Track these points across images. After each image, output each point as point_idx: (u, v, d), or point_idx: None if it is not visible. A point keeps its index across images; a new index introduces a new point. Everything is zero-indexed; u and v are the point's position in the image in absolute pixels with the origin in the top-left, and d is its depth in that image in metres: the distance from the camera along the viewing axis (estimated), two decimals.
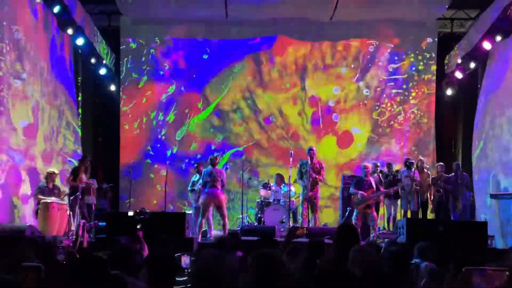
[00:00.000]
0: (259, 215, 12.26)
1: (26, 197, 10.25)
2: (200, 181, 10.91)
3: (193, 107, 14.55)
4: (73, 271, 3.32)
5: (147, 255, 6.08)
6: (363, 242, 9.47)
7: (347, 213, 11.28)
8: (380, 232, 11.32)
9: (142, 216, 7.82)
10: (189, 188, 11.84)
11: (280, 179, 12.59)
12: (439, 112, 14.55)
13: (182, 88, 14.59)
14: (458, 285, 4.56)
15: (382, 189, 10.92)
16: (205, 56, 14.63)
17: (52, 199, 9.84)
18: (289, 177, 11.60)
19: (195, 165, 12.02)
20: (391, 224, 12.14)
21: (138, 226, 6.82)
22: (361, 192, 10.33)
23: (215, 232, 10.61)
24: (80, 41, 12.06)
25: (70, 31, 11.59)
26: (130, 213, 8.71)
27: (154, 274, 3.24)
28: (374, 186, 10.51)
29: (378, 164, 12.64)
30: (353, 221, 10.25)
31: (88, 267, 3.32)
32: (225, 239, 6.43)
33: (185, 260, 6.88)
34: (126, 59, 14.59)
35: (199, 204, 10.79)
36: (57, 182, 10.42)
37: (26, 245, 4.55)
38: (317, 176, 10.87)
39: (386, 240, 8.37)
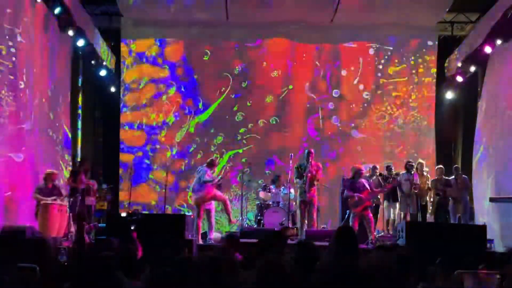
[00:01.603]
0: (258, 217, 12.28)
1: (24, 198, 10.21)
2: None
3: (194, 109, 14.56)
4: (79, 271, 3.32)
5: (141, 256, 6.08)
6: (362, 244, 9.51)
7: (346, 215, 11.28)
8: (379, 235, 11.33)
9: (135, 217, 7.84)
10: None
11: (279, 181, 12.61)
12: (439, 115, 14.56)
13: (183, 89, 14.61)
14: (450, 286, 4.55)
15: (375, 190, 10.94)
16: (206, 58, 14.65)
17: (53, 197, 9.84)
18: (289, 179, 11.61)
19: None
20: (389, 227, 12.15)
21: (132, 227, 6.82)
22: (357, 194, 10.33)
23: (216, 234, 10.63)
24: (80, 43, 12.06)
25: (70, 32, 11.58)
26: (123, 214, 8.75)
27: (160, 277, 3.24)
28: (368, 187, 10.53)
29: (377, 166, 12.63)
30: (350, 223, 10.25)
31: (95, 267, 3.32)
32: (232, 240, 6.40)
33: None
34: (126, 60, 14.60)
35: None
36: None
37: (27, 246, 4.54)
38: (316, 174, 10.89)
39: (388, 242, 8.38)
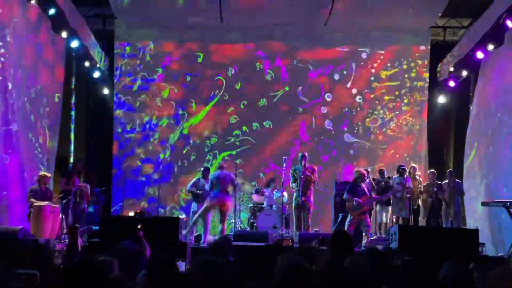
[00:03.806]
0: (251, 220, 12.30)
1: (14, 200, 10.12)
2: (206, 185, 10.97)
3: (187, 111, 14.55)
4: (70, 276, 3.31)
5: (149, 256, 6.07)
6: (355, 248, 9.54)
7: (339, 219, 11.30)
8: (372, 238, 11.36)
9: (143, 217, 7.82)
10: (188, 188, 11.58)
11: (273, 184, 12.65)
12: (431, 119, 14.63)
13: (176, 91, 14.60)
14: None
15: (374, 195, 10.97)
16: (200, 60, 14.65)
17: (45, 202, 9.80)
18: (283, 182, 11.64)
19: (203, 169, 11.62)
20: (382, 231, 12.19)
21: (139, 227, 6.79)
22: (357, 199, 10.33)
23: (210, 237, 10.62)
24: (74, 44, 12.05)
25: (64, 34, 11.57)
26: (131, 214, 8.74)
27: (155, 280, 3.25)
28: (367, 192, 10.55)
29: (369, 170, 12.65)
30: (346, 227, 10.24)
31: (85, 271, 3.32)
32: (219, 244, 6.42)
33: (180, 266, 6.85)
34: (120, 62, 14.58)
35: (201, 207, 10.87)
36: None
37: (23, 249, 4.52)
38: (311, 176, 10.92)
39: (380, 246, 8.42)
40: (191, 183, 11.43)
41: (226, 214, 10.64)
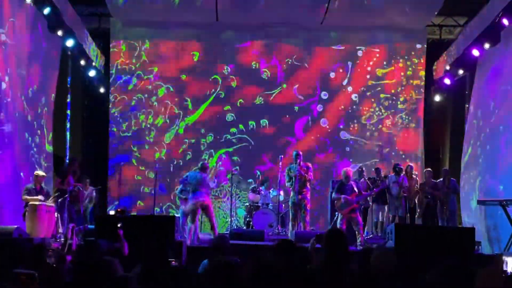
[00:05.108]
0: (247, 219, 12.29)
1: (8, 200, 10.07)
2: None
3: (183, 110, 14.53)
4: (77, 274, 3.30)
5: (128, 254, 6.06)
6: (350, 247, 9.53)
7: (335, 218, 11.30)
8: (368, 237, 11.37)
9: (123, 215, 7.76)
10: (178, 194, 11.57)
11: (269, 183, 12.64)
12: (427, 118, 14.66)
13: (172, 90, 14.57)
14: None
15: (364, 193, 10.95)
16: (195, 58, 14.63)
17: (39, 197, 9.75)
18: (279, 181, 11.63)
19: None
20: (378, 230, 12.20)
21: (119, 225, 6.78)
22: (344, 196, 10.33)
23: (201, 235, 10.62)
24: (70, 43, 12.02)
25: (60, 33, 11.54)
26: (112, 212, 8.69)
27: (148, 280, 3.25)
28: (356, 190, 10.55)
29: (364, 169, 12.63)
30: (338, 226, 10.26)
31: (94, 270, 3.31)
32: (218, 243, 6.39)
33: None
34: (116, 61, 14.54)
35: (187, 209, 10.84)
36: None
37: (18, 248, 4.50)
38: (305, 175, 10.90)
39: (375, 245, 8.40)
40: (179, 189, 11.38)
41: (209, 210, 10.59)
